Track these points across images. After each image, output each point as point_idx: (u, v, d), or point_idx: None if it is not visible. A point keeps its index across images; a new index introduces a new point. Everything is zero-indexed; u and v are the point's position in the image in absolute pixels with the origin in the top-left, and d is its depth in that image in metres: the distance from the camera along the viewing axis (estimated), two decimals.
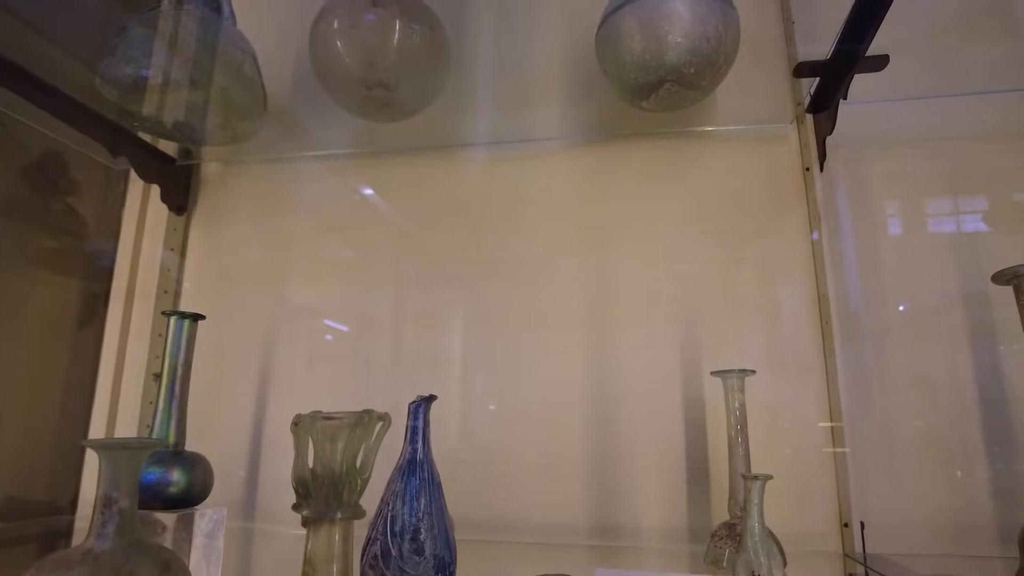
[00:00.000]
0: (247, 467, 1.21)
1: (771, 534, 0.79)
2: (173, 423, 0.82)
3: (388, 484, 0.69)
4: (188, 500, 0.79)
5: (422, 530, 0.66)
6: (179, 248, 1.35)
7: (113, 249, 1.37)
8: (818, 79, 1.09)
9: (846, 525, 1.01)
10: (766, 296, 1.13)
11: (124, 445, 0.58)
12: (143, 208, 1.39)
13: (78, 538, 1.14)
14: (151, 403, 1.22)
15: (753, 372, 0.94)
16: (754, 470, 0.90)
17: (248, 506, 1.20)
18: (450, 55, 1.19)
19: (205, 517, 0.80)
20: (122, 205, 1.40)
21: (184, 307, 1.25)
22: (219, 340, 1.23)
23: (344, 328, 1.27)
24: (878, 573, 0.90)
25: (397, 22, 1.10)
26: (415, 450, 0.70)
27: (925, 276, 1.10)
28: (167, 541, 0.75)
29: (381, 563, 0.65)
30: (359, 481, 0.70)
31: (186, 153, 1.37)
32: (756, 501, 0.72)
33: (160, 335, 1.28)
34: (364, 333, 1.25)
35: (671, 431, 1.10)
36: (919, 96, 1.15)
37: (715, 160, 1.20)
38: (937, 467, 1.03)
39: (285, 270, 1.31)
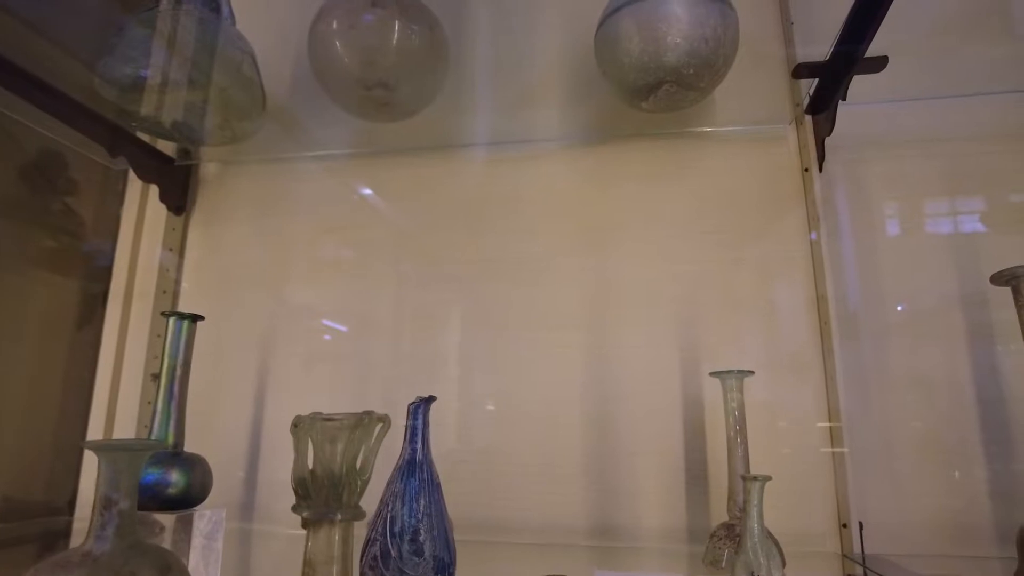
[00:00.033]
0: (246, 468, 1.21)
1: (770, 535, 0.79)
2: (172, 424, 0.82)
3: (387, 485, 0.69)
4: (187, 501, 0.79)
5: (421, 531, 0.66)
6: (178, 248, 1.35)
7: (112, 249, 1.36)
8: (817, 80, 1.10)
9: (844, 526, 1.02)
10: (765, 296, 1.14)
11: (124, 447, 0.58)
12: (142, 208, 1.39)
13: (76, 539, 1.14)
14: (149, 403, 1.23)
15: (752, 373, 0.94)
16: (753, 470, 0.90)
17: (247, 507, 1.20)
18: (449, 55, 1.19)
19: (204, 518, 0.80)
20: (121, 205, 1.39)
21: (183, 307, 1.25)
22: (218, 340, 1.23)
23: (343, 328, 1.27)
24: (876, 574, 0.90)
25: (396, 22, 1.10)
26: (414, 451, 0.70)
27: (923, 277, 1.10)
28: (166, 542, 0.75)
29: (380, 564, 0.65)
30: (359, 482, 0.70)
31: (185, 153, 1.37)
32: (755, 502, 0.72)
33: (159, 335, 1.28)
34: (363, 333, 1.25)
35: (670, 431, 1.10)
36: (918, 97, 1.15)
37: (714, 161, 1.20)
38: (936, 467, 1.03)
39: (284, 270, 1.31)
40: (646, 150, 1.23)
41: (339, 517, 0.68)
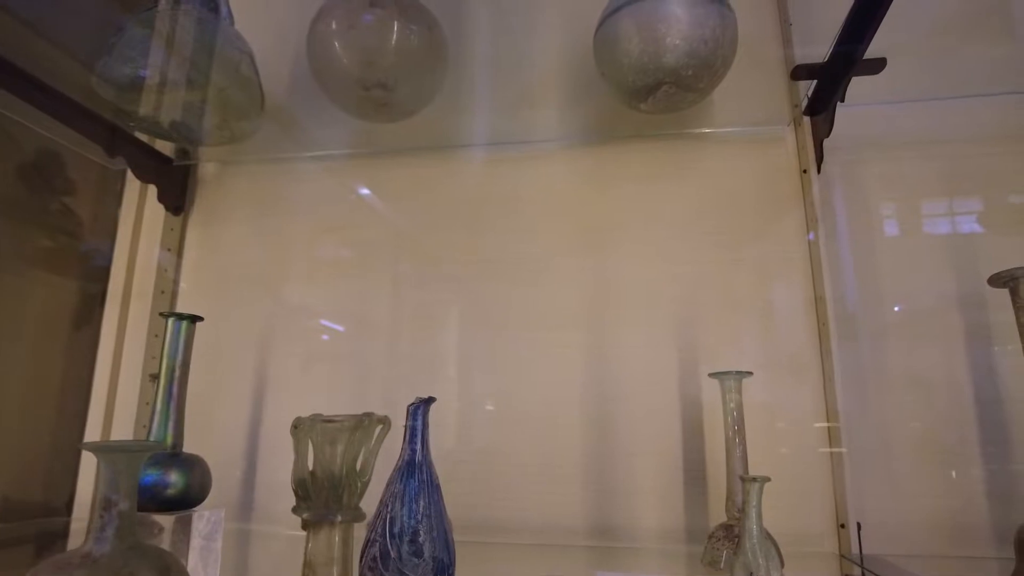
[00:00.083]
0: (244, 468, 1.21)
1: (768, 535, 0.79)
2: (171, 425, 0.82)
3: (387, 486, 0.69)
4: (186, 502, 0.79)
5: (421, 532, 0.66)
6: (176, 248, 1.35)
7: (110, 249, 1.36)
8: (815, 81, 1.10)
9: (843, 526, 1.02)
10: (764, 297, 1.14)
11: (123, 447, 0.58)
12: (140, 208, 1.39)
13: (74, 540, 1.14)
14: (148, 404, 1.23)
15: (750, 374, 0.94)
16: (751, 471, 0.90)
17: (245, 507, 1.19)
18: (448, 55, 1.19)
19: (203, 519, 0.80)
20: (119, 205, 1.39)
21: (181, 307, 1.25)
22: (216, 341, 1.23)
23: (342, 329, 1.27)
24: (874, 574, 0.90)
25: (395, 22, 1.09)
26: (414, 452, 0.70)
27: (922, 278, 1.10)
28: (164, 543, 0.75)
29: (380, 565, 0.65)
30: (359, 484, 0.70)
31: (183, 153, 1.37)
32: (754, 503, 0.72)
33: (157, 336, 1.27)
34: (362, 333, 1.25)
35: (669, 432, 1.11)
36: (917, 99, 1.16)
37: (713, 162, 1.21)
38: (933, 468, 1.03)
39: (283, 270, 1.31)
40: (645, 151, 1.23)
41: (339, 519, 0.68)
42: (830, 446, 1.06)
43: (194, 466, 0.81)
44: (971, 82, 1.14)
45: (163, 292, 1.32)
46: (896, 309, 1.10)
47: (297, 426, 0.71)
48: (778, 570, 0.71)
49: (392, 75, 1.11)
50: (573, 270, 1.20)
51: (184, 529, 0.76)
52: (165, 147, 1.35)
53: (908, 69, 1.11)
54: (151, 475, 0.77)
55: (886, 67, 1.00)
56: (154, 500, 0.76)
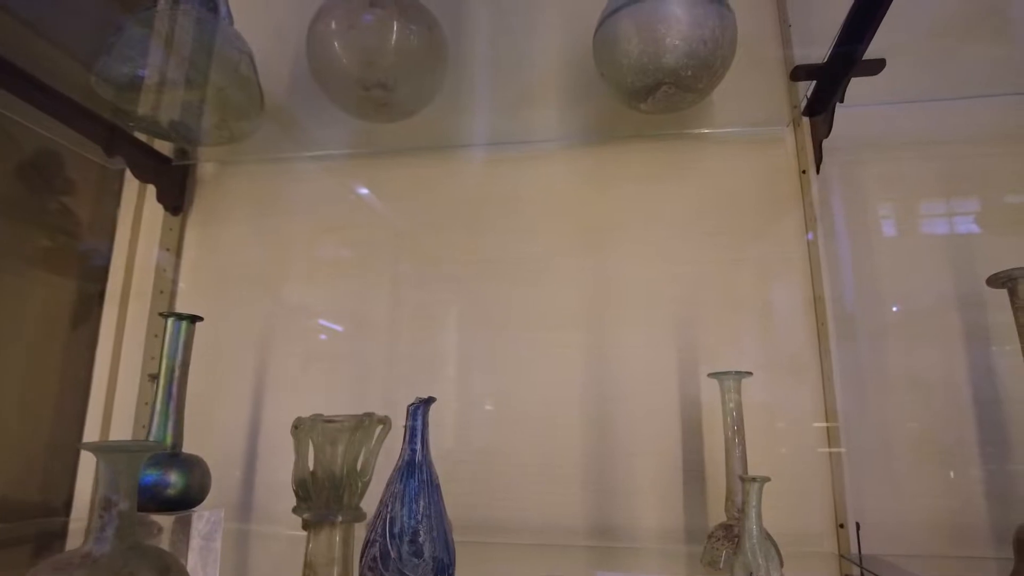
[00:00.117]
0: (243, 469, 1.21)
1: (768, 535, 0.79)
2: (170, 425, 0.81)
3: (387, 486, 0.69)
4: (186, 502, 0.79)
5: (421, 532, 0.66)
6: (175, 248, 1.34)
7: (108, 249, 1.36)
8: (815, 82, 1.10)
9: (842, 526, 1.02)
10: (763, 297, 1.14)
11: (123, 448, 0.58)
12: (138, 208, 1.38)
13: (73, 540, 1.14)
14: (146, 404, 1.23)
15: (750, 374, 0.95)
16: (750, 471, 0.90)
17: (244, 508, 1.19)
18: (448, 55, 1.19)
19: (202, 519, 0.79)
20: (117, 205, 1.39)
21: (180, 307, 1.25)
22: (215, 341, 1.23)
23: (341, 329, 1.27)
24: (873, 574, 0.91)
25: (395, 22, 1.09)
26: (414, 452, 0.70)
27: (920, 278, 1.10)
28: (164, 543, 0.75)
29: (380, 565, 0.65)
30: (359, 484, 0.70)
31: (182, 153, 1.37)
32: (754, 503, 0.72)
33: (156, 335, 1.27)
34: (362, 333, 1.25)
35: (668, 432, 1.11)
36: (916, 99, 1.16)
37: (712, 162, 1.21)
38: (932, 468, 1.03)
39: (282, 271, 1.31)
40: (645, 151, 1.23)
41: (340, 519, 0.68)
42: (829, 446, 1.06)
43: (194, 466, 0.81)
44: (970, 83, 1.15)
45: (162, 292, 1.32)
46: (894, 309, 1.11)
47: (298, 426, 0.71)
48: (778, 570, 0.71)
49: (392, 75, 1.11)
50: (573, 270, 1.20)
51: (184, 529, 0.76)
52: (164, 147, 1.34)
53: (907, 70, 1.11)
54: (151, 475, 0.76)
55: (885, 68, 1.00)
56: (154, 500, 0.76)
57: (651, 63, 0.98)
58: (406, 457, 0.70)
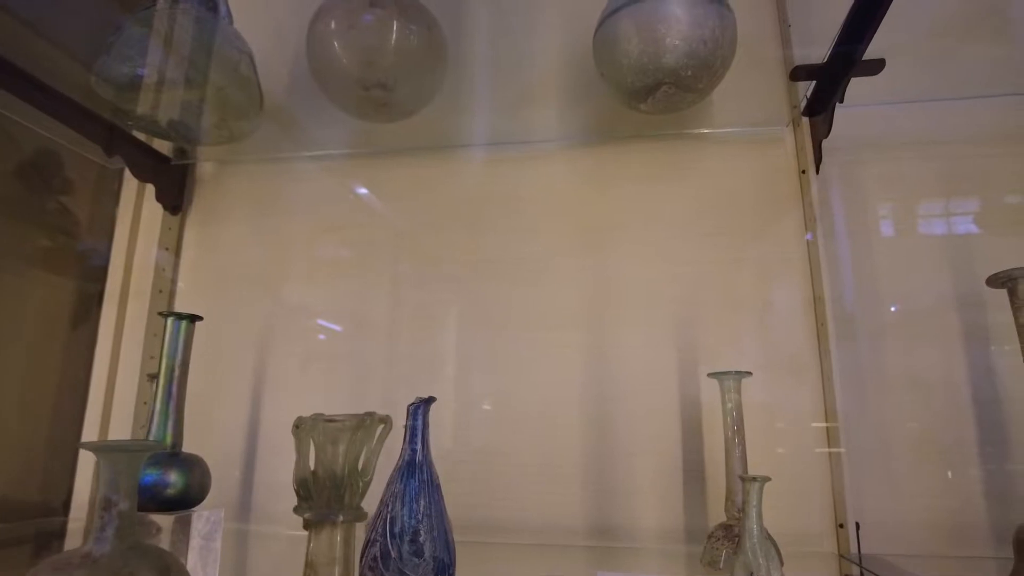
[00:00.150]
0: (243, 468, 1.21)
1: (768, 535, 0.79)
2: (170, 424, 0.81)
3: (387, 485, 0.69)
4: (185, 502, 0.79)
5: (421, 532, 0.66)
6: (174, 248, 1.34)
7: (107, 248, 1.36)
8: (814, 82, 1.10)
9: (841, 526, 1.02)
10: (763, 297, 1.14)
11: (123, 447, 0.58)
12: (137, 207, 1.38)
13: (71, 540, 1.14)
14: (145, 404, 1.22)
15: (749, 374, 0.95)
16: (750, 471, 0.90)
17: (244, 508, 1.19)
18: (448, 55, 1.19)
19: (202, 519, 0.79)
20: (116, 204, 1.39)
21: (179, 307, 1.24)
22: (215, 340, 1.22)
23: (341, 329, 1.26)
24: (873, 574, 0.91)
25: (395, 22, 1.09)
26: (414, 451, 0.70)
27: (920, 278, 1.10)
28: (163, 543, 0.75)
29: (381, 565, 0.65)
30: (360, 483, 0.70)
31: (181, 152, 1.36)
32: (754, 503, 0.72)
33: (155, 335, 1.27)
34: (361, 333, 1.25)
35: (668, 432, 1.11)
36: (916, 99, 1.16)
37: (712, 162, 1.21)
38: (932, 468, 1.03)
39: (281, 270, 1.30)
40: (644, 151, 1.23)
41: (341, 518, 0.68)
42: (829, 446, 1.06)
43: (194, 466, 0.81)
44: (970, 83, 1.15)
45: (161, 291, 1.32)
46: (893, 309, 1.11)
47: (299, 426, 0.71)
48: (778, 570, 0.71)
49: (392, 75, 1.11)
50: (573, 270, 1.20)
51: (183, 529, 0.76)
52: (163, 146, 1.34)
53: (907, 70, 1.11)
54: (151, 475, 0.76)
55: (885, 68, 1.01)
56: (154, 500, 0.76)
57: (651, 63, 0.98)
58: (406, 457, 0.70)
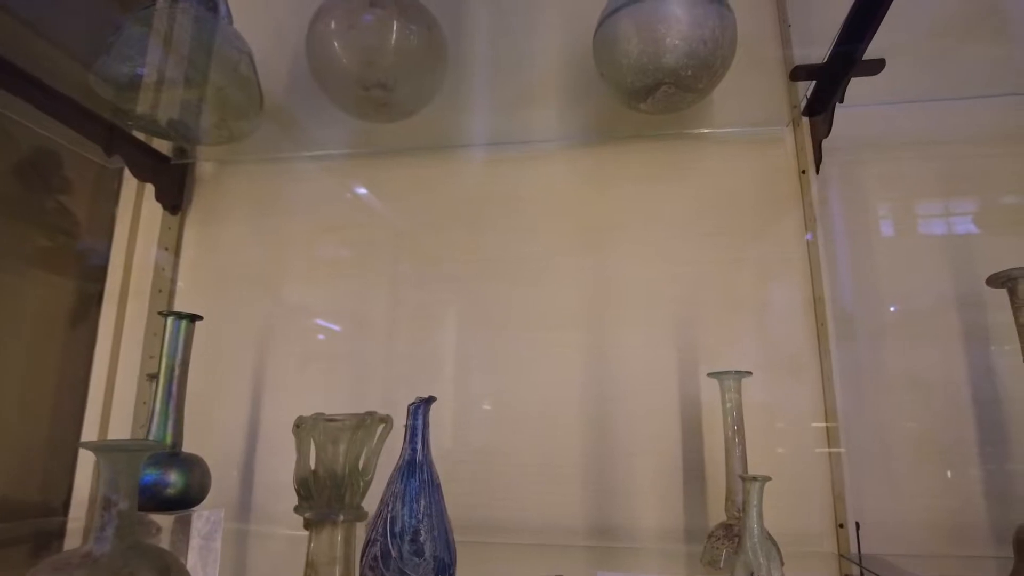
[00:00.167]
0: (242, 468, 1.21)
1: (769, 535, 0.79)
2: (170, 424, 0.81)
3: (388, 485, 0.69)
4: (185, 502, 0.79)
5: (422, 531, 0.66)
6: (173, 247, 1.34)
7: (107, 248, 1.36)
8: (814, 82, 1.10)
9: (841, 526, 1.02)
10: (763, 297, 1.14)
11: (123, 447, 0.58)
12: (137, 207, 1.38)
13: (71, 540, 1.14)
14: (145, 403, 1.22)
15: (749, 374, 0.95)
16: (750, 471, 0.90)
17: (243, 507, 1.19)
18: (448, 55, 1.19)
19: (202, 519, 0.79)
20: (116, 204, 1.38)
21: (178, 307, 1.24)
22: (214, 340, 1.22)
23: (341, 328, 1.26)
24: (873, 574, 0.91)
25: (395, 22, 1.09)
26: (415, 451, 0.70)
27: (920, 278, 1.10)
28: (164, 543, 0.75)
29: (381, 564, 0.65)
30: (361, 483, 0.70)
31: (181, 152, 1.36)
32: (755, 502, 0.72)
33: (155, 335, 1.27)
34: (361, 333, 1.25)
35: (668, 432, 1.11)
36: (915, 99, 1.16)
37: (712, 162, 1.21)
38: (932, 468, 1.03)
39: (281, 270, 1.30)
40: (644, 151, 1.23)
41: (342, 518, 0.67)
42: (828, 446, 1.06)
43: (194, 466, 0.81)
44: (970, 83, 1.15)
45: (160, 291, 1.32)
46: (892, 309, 1.11)
47: (299, 425, 0.71)
48: (779, 569, 0.71)
49: (392, 75, 1.11)
50: (573, 270, 1.20)
51: (183, 529, 0.76)
52: (163, 146, 1.34)
53: (907, 70, 1.11)
54: (151, 475, 0.76)
55: (885, 68, 1.01)
56: (154, 500, 0.76)
57: (651, 63, 0.98)
58: (407, 456, 0.70)
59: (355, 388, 1.22)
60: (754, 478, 0.72)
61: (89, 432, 1.26)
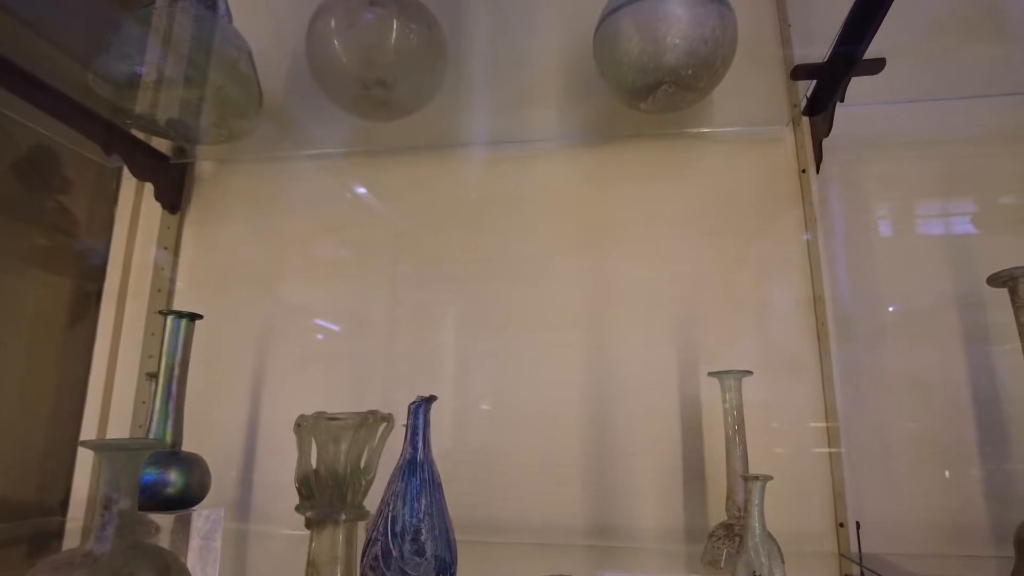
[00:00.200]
0: (242, 468, 1.20)
1: (770, 535, 0.79)
2: (170, 423, 0.81)
3: (388, 484, 0.69)
4: (185, 501, 0.78)
5: (423, 531, 0.66)
6: (172, 247, 1.34)
7: (105, 247, 1.35)
8: (815, 81, 1.10)
9: (841, 525, 1.02)
10: (763, 297, 1.14)
11: (124, 446, 0.58)
12: (136, 206, 1.38)
13: (69, 540, 1.13)
14: (144, 403, 1.22)
15: (750, 373, 0.95)
16: (750, 470, 0.90)
17: (243, 507, 1.19)
18: (448, 54, 1.19)
19: (202, 518, 0.79)
20: (115, 203, 1.38)
21: (178, 306, 1.24)
22: (214, 340, 1.22)
23: (340, 328, 1.26)
24: (874, 573, 0.91)
25: (395, 21, 1.09)
26: (415, 450, 0.70)
27: (920, 278, 1.10)
28: (163, 542, 0.74)
29: (382, 564, 0.64)
30: (363, 482, 0.70)
31: (180, 151, 1.36)
32: (756, 502, 0.72)
33: (154, 334, 1.27)
34: (361, 333, 1.24)
35: (668, 431, 1.11)
36: (916, 99, 1.16)
37: (712, 161, 1.21)
38: (932, 467, 1.03)
39: (280, 270, 1.30)
40: (645, 150, 1.23)
41: (343, 517, 0.67)
42: (828, 446, 1.06)
43: (194, 465, 0.81)
44: (970, 83, 1.15)
45: (159, 291, 1.31)
46: (892, 309, 1.11)
47: (301, 424, 0.70)
48: (780, 569, 0.71)
49: (391, 73, 1.10)
50: (573, 270, 1.20)
51: (183, 528, 0.76)
52: (162, 145, 1.34)
53: (907, 69, 1.11)
54: (150, 474, 0.76)
55: (885, 67, 1.00)
56: (153, 499, 0.76)
57: (651, 62, 0.98)
58: (407, 456, 0.69)
59: (355, 388, 1.22)
60: (756, 477, 0.72)
61: (88, 431, 1.25)
